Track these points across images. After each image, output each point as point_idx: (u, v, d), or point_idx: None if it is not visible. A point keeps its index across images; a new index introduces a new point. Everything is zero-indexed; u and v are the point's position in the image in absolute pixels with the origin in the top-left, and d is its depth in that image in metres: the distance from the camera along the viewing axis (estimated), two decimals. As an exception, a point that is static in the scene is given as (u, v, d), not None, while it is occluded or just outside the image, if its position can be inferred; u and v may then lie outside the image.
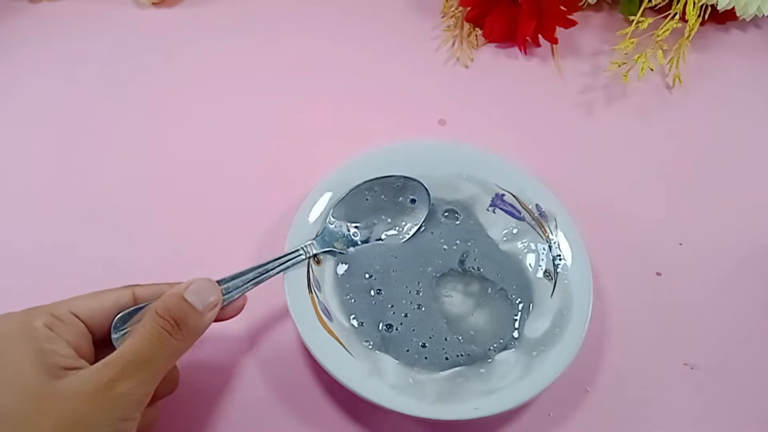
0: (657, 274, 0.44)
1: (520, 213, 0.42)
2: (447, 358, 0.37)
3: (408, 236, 0.41)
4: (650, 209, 0.47)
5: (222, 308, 0.32)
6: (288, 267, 0.36)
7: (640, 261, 0.44)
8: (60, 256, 0.42)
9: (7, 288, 0.40)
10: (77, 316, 0.30)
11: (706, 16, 0.55)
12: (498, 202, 0.42)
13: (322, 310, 0.37)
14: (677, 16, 0.52)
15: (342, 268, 0.39)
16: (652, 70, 0.52)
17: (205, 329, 0.31)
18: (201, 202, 0.45)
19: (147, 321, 0.29)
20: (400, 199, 0.42)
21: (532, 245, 0.41)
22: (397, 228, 0.41)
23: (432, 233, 0.41)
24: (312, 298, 0.37)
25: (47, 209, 0.44)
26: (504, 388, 0.35)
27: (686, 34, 0.53)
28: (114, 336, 0.30)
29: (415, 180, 0.41)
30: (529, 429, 0.38)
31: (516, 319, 0.39)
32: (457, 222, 0.42)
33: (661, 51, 0.52)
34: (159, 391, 0.30)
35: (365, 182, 0.41)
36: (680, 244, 0.45)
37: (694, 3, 0.52)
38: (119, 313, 0.30)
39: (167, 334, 0.29)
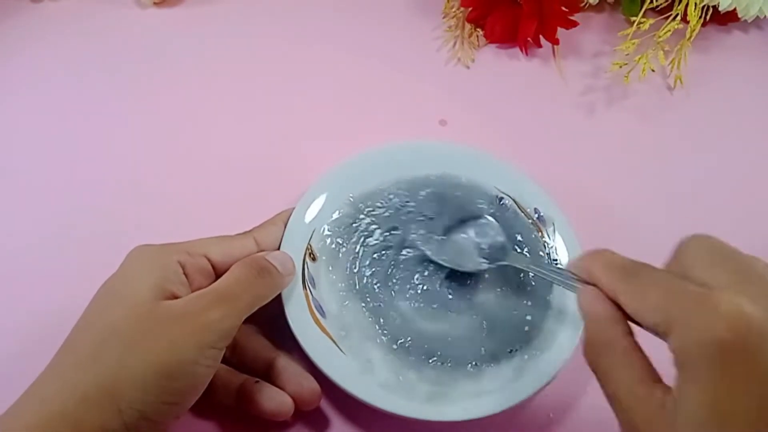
0: (657, 275, 0.44)
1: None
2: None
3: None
4: (651, 210, 0.47)
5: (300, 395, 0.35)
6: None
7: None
8: (60, 256, 0.42)
9: None
10: (208, 258, 0.34)
11: (708, 17, 0.55)
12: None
13: (315, 308, 0.37)
14: (679, 17, 0.52)
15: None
16: (653, 71, 0.52)
17: (282, 289, 0.35)
18: (199, 202, 0.45)
19: (236, 267, 0.33)
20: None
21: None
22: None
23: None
24: (306, 295, 0.37)
25: (46, 209, 0.44)
26: (495, 390, 0.35)
27: (688, 35, 0.53)
28: None
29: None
30: (529, 429, 0.37)
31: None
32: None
33: (662, 52, 0.52)
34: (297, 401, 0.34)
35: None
36: (681, 246, 0.45)
37: (695, 4, 0.52)
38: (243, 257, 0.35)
39: (253, 279, 0.33)
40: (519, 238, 0.41)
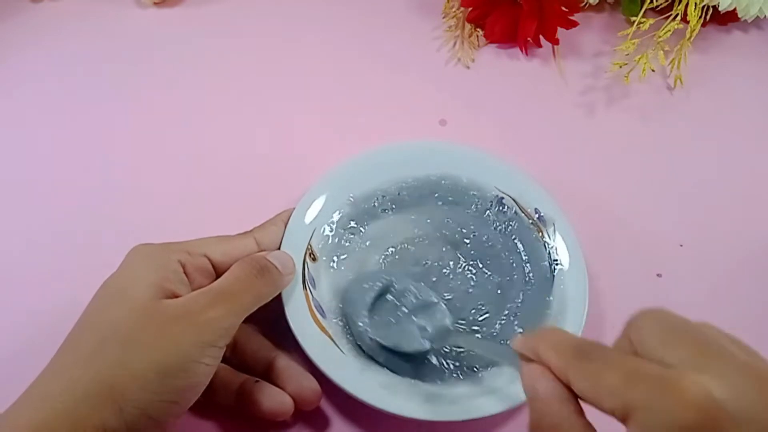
0: (657, 275, 0.44)
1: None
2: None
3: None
4: (651, 210, 0.47)
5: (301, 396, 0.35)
6: None
7: (640, 262, 0.44)
8: (59, 256, 0.42)
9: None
10: (208, 258, 0.34)
11: (708, 18, 0.54)
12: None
13: (315, 307, 0.37)
14: (679, 17, 0.52)
15: None
16: (653, 71, 0.52)
17: (282, 288, 0.36)
18: (200, 202, 0.45)
19: (236, 266, 0.33)
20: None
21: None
22: None
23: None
24: (306, 295, 0.37)
25: (46, 209, 0.44)
26: (495, 390, 0.35)
27: (688, 35, 0.53)
28: None
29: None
30: (525, 429, 0.37)
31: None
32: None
33: (662, 52, 0.52)
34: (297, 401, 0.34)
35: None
36: (681, 246, 0.45)
37: (695, 4, 0.52)
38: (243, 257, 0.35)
39: (253, 278, 0.33)
40: (518, 243, 0.41)
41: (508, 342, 0.35)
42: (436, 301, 0.37)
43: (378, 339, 0.36)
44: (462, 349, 0.37)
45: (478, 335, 0.38)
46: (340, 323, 0.38)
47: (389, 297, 0.38)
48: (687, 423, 0.21)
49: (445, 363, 0.37)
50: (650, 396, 0.22)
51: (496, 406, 0.34)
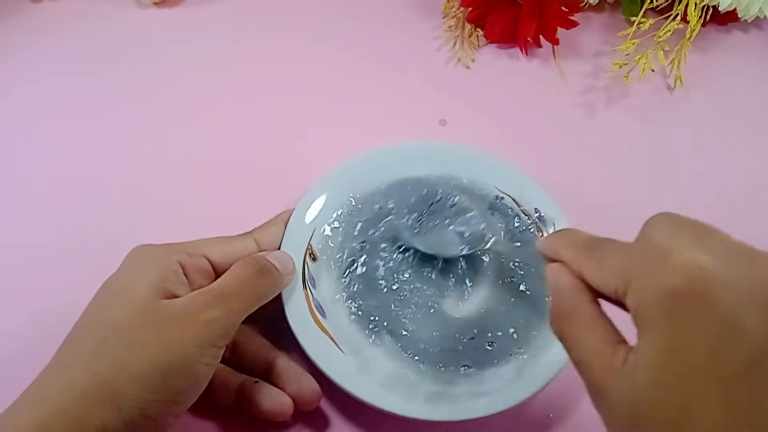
0: (657, 275, 0.44)
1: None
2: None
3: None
4: (651, 210, 0.46)
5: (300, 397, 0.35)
6: None
7: (640, 262, 0.44)
8: (59, 257, 0.42)
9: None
10: (208, 259, 0.34)
11: (708, 18, 0.54)
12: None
13: (315, 307, 0.37)
14: (678, 17, 0.52)
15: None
16: (653, 71, 0.52)
17: (282, 288, 0.36)
18: (200, 203, 0.45)
19: (236, 266, 0.34)
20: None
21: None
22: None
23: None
24: (306, 294, 0.37)
25: (46, 209, 0.44)
26: (495, 390, 0.35)
27: (687, 35, 0.53)
28: None
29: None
30: (529, 429, 0.37)
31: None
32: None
33: (662, 52, 0.52)
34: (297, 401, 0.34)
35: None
36: (681, 246, 0.45)
37: (695, 4, 0.52)
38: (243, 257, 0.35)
39: (253, 277, 0.33)
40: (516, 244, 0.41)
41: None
42: (472, 209, 0.39)
43: (416, 245, 0.38)
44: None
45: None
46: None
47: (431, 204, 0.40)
48: (674, 286, 0.22)
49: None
50: (644, 268, 0.24)
51: (496, 407, 0.34)
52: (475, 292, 0.39)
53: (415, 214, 0.40)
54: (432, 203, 0.41)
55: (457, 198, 0.40)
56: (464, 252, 0.39)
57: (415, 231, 0.39)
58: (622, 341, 0.25)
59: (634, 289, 0.24)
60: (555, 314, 0.28)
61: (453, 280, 0.40)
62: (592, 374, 0.25)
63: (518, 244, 0.40)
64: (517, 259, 0.39)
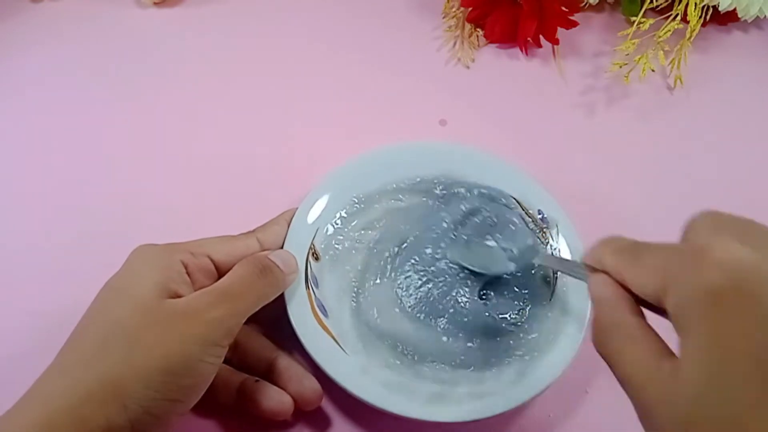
0: (657, 275, 0.44)
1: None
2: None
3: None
4: (651, 210, 0.47)
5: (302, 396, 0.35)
6: None
7: (640, 262, 0.44)
8: (60, 257, 0.42)
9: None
10: (211, 258, 0.34)
11: (708, 17, 0.55)
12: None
13: (318, 307, 0.37)
14: (678, 17, 0.52)
15: None
16: (653, 71, 0.52)
17: (285, 288, 0.36)
18: (202, 203, 0.45)
19: (239, 265, 0.34)
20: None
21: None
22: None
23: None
24: (309, 294, 0.37)
25: (46, 209, 0.44)
26: (497, 392, 0.35)
27: (688, 35, 0.53)
28: None
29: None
30: (529, 429, 0.38)
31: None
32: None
33: (662, 52, 0.52)
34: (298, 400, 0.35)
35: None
36: (681, 245, 0.45)
37: (695, 4, 0.52)
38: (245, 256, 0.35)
39: (256, 277, 0.33)
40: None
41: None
42: (517, 221, 0.39)
43: (462, 262, 0.37)
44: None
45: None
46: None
47: (474, 218, 0.39)
48: (716, 284, 0.21)
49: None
50: (683, 266, 0.23)
51: (498, 407, 0.34)
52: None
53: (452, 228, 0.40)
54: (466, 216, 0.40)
55: (494, 212, 0.40)
56: (512, 269, 0.38)
57: (456, 245, 0.39)
58: (670, 353, 0.24)
59: (672, 289, 0.23)
60: (598, 327, 0.26)
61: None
62: (639, 390, 0.23)
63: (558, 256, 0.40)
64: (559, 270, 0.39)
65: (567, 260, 0.39)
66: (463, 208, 0.40)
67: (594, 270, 0.29)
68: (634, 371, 0.24)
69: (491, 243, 0.39)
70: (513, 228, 0.39)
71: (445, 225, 0.40)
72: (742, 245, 0.22)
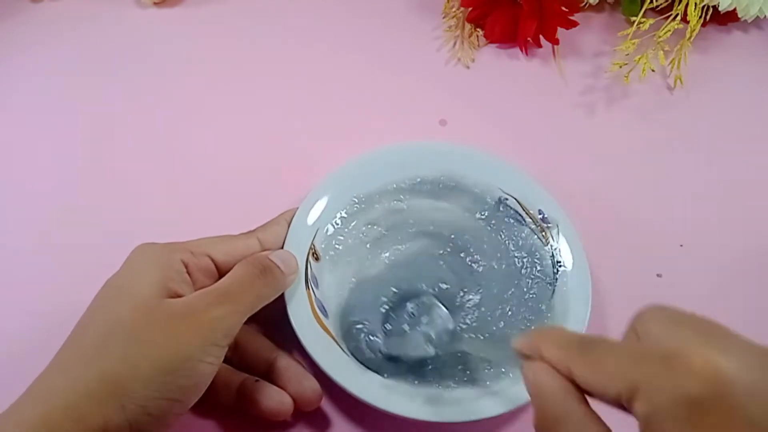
0: (657, 275, 0.44)
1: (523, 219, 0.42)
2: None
3: None
4: (651, 210, 0.47)
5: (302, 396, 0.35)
6: None
7: (640, 262, 0.44)
8: (61, 257, 0.42)
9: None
10: (211, 258, 0.34)
11: (708, 18, 0.54)
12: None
13: (318, 307, 0.37)
14: (678, 17, 0.52)
15: None
16: (653, 71, 0.52)
17: (285, 288, 0.36)
18: (202, 203, 0.45)
19: (239, 266, 0.34)
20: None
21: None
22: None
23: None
24: (309, 294, 0.37)
25: (47, 209, 0.44)
26: (497, 392, 0.35)
27: (688, 35, 0.53)
28: None
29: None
30: (529, 430, 0.37)
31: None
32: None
33: (662, 52, 0.52)
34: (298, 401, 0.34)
35: None
36: (681, 246, 0.45)
37: (695, 4, 0.52)
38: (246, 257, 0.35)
39: (255, 277, 0.33)
40: (512, 247, 0.41)
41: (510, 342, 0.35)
42: (438, 305, 0.37)
43: (386, 350, 0.36)
44: (461, 353, 0.37)
45: (480, 336, 0.38)
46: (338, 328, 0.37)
47: (393, 306, 0.38)
48: (695, 394, 0.20)
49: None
50: (656, 371, 0.21)
51: (498, 408, 0.34)
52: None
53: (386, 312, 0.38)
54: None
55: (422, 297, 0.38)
56: (431, 353, 0.36)
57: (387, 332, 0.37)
58: None
59: (644, 396, 0.21)
60: (541, 420, 0.25)
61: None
62: None
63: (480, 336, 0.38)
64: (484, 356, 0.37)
65: (494, 347, 0.37)
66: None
67: (528, 358, 0.27)
68: None
69: (408, 327, 0.37)
70: (435, 310, 0.37)
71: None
72: (715, 352, 0.21)
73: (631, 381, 0.22)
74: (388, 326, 0.37)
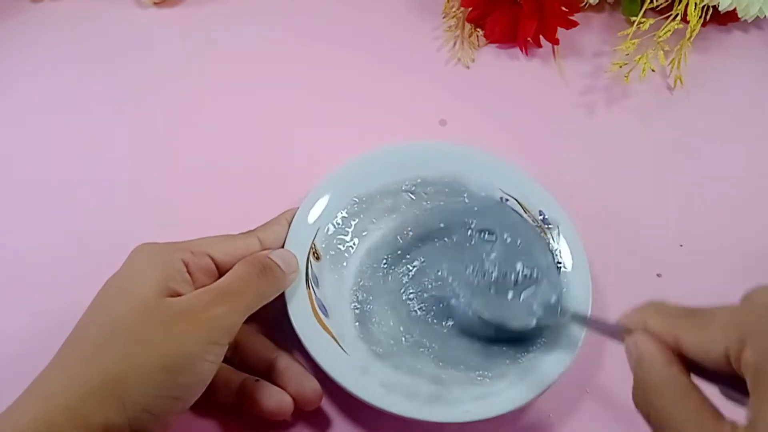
0: (657, 275, 0.44)
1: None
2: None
3: None
4: (651, 210, 0.47)
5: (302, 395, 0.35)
6: None
7: (640, 262, 0.44)
8: (61, 257, 0.42)
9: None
10: (212, 257, 0.34)
11: (708, 17, 0.54)
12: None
13: (318, 307, 0.37)
14: (678, 17, 0.52)
15: None
16: (653, 71, 0.52)
17: (286, 287, 0.36)
18: (203, 203, 0.45)
19: (239, 265, 0.34)
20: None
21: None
22: None
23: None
24: (309, 293, 0.37)
25: (47, 209, 0.44)
26: (497, 392, 0.35)
27: (688, 35, 0.53)
28: None
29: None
30: (529, 429, 0.38)
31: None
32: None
33: (662, 52, 0.52)
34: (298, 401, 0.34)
35: None
36: (681, 246, 0.45)
37: (695, 4, 0.52)
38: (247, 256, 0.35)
39: (255, 276, 0.33)
40: (518, 241, 0.41)
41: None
42: (541, 278, 0.37)
43: (481, 314, 0.36)
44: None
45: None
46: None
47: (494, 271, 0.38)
48: None
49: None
50: (765, 319, 0.22)
51: (498, 409, 0.34)
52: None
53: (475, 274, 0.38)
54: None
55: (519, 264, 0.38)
56: (533, 324, 0.36)
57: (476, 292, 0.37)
58: (722, 417, 0.23)
59: (754, 344, 0.22)
60: (640, 387, 0.25)
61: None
62: None
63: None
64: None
65: (598, 321, 0.37)
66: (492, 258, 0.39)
67: (631, 331, 0.27)
68: (689, 430, 0.23)
69: (513, 295, 0.37)
70: (545, 282, 0.37)
71: (470, 269, 0.39)
72: None
73: (739, 331, 0.23)
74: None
